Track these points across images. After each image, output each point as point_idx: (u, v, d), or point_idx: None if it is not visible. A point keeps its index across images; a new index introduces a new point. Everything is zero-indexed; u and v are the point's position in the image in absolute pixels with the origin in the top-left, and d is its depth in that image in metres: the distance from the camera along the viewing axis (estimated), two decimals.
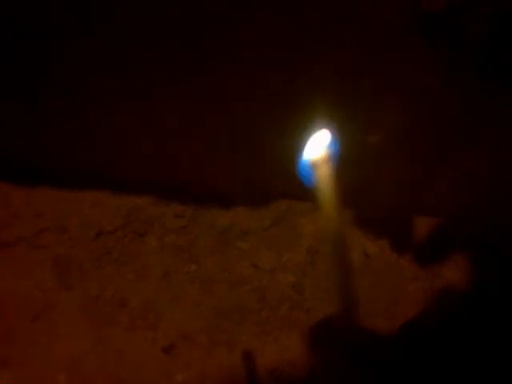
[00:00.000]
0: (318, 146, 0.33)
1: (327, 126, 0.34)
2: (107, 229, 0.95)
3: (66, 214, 0.95)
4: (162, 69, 0.77)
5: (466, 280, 0.87)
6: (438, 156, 0.79)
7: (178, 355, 0.87)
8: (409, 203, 0.89)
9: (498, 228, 0.89)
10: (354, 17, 0.65)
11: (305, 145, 0.34)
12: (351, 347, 0.28)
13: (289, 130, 0.70)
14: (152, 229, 0.96)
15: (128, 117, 0.86)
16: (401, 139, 0.79)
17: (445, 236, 0.88)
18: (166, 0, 0.67)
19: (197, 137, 0.87)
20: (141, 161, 0.94)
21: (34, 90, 0.87)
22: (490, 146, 0.78)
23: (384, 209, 0.91)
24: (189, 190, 0.95)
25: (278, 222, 0.93)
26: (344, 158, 0.41)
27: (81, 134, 0.90)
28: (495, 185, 0.81)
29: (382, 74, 0.69)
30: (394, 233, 0.91)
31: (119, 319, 0.88)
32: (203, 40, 0.72)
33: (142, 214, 0.96)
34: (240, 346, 0.87)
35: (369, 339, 0.28)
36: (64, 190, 0.96)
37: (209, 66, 0.76)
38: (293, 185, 0.93)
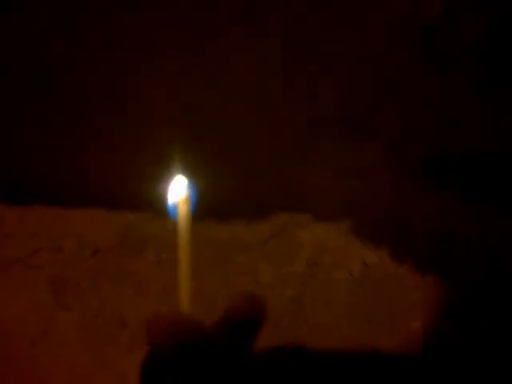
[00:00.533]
0: (178, 187, 0.39)
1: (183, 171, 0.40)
2: (103, 246, 0.94)
3: (60, 232, 0.94)
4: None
5: (465, 287, 0.88)
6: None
7: None
8: (408, 212, 0.89)
9: (498, 228, 0.89)
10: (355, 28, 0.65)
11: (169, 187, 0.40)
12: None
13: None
14: (148, 245, 0.95)
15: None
16: (401, 149, 0.79)
17: (445, 243, 0.89)
18: None
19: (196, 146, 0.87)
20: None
21: (24, 104, 0.86)
22: None
23: (383, 218, 0.91)
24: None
25: (277, 234, 0.93)
26: None
27: (78, 147, 0.90)
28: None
29: (383, 84, 0.69)
30: (394, 242, 0.91)
31: (119, 338, 0.87)
32: None
33: (138, 231, 0.95)
34: None
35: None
36: (58, 208, 0.95)
37: None
38: (291, 197, 0.93)
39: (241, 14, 0.74)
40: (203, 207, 0.41)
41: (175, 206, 0.39)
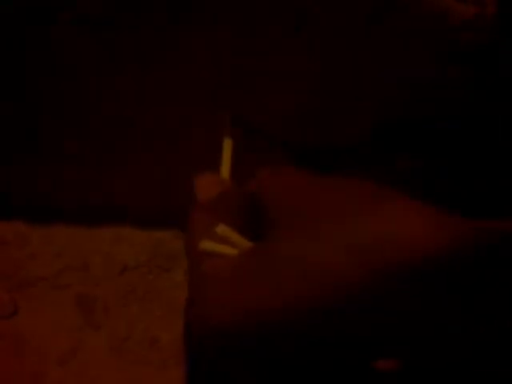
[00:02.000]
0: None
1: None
2: (131, 265, 0.93)
3: (87, 251, 0.93)
4: None
5: None
6: None
7: None
8: None
9: None
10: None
11: None
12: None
13: None
14: (176, 263, 0.94)
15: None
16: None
17: None
18: None
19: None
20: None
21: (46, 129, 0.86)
22: None
23: None
24: None
25: None
26: None
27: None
28: None
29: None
30: None
31: (151, 358, 0.86)
32: None
33: (166, 248, 0.95)
34: None
35: None
36: (84, 226, 0.94)
37: None
38: None
39: None
40: None
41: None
